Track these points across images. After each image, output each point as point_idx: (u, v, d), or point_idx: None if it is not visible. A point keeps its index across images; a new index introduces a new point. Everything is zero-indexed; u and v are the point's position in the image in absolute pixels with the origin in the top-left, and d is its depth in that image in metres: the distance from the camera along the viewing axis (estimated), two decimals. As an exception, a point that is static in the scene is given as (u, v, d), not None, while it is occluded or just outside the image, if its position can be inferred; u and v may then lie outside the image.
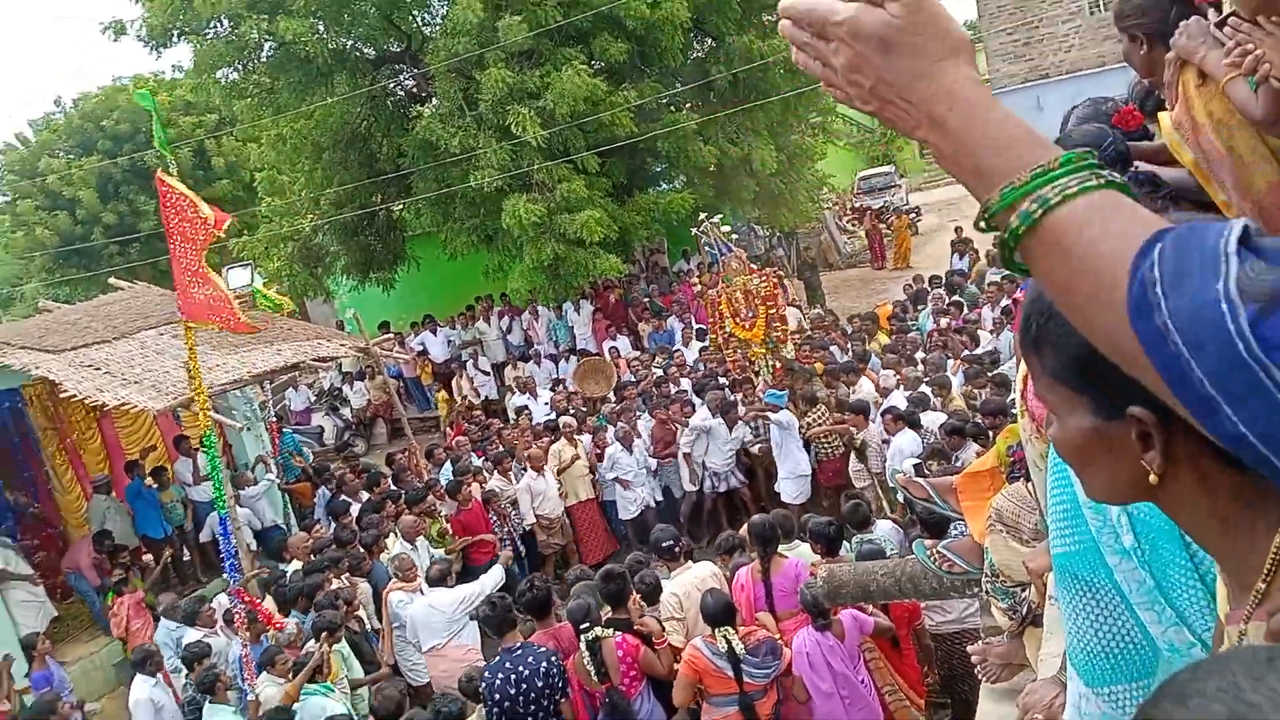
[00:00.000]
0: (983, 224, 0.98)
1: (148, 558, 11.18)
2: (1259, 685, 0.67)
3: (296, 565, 9.50)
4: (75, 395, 9.85)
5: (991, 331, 12.04)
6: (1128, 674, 1.42)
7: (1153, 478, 1.00)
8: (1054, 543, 1.52)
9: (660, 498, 11.27)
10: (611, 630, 5.87)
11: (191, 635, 8.41)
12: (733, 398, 11.10)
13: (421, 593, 8.12)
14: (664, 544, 6.92)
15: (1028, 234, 0.93)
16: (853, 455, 9.68)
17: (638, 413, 11.65)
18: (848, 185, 30.19)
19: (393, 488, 11.22)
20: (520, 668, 5.84)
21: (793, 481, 10.29)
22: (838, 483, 9.92)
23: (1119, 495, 1.06)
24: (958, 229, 18.49)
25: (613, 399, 13.24)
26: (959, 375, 10.35)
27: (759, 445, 10.83)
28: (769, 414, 10.26)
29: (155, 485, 11.90)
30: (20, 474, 11.73)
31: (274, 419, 16.13)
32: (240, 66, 17.65)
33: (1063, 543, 1.48)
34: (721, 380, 11.85)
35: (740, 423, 10.86)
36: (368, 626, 8.75)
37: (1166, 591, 1.27)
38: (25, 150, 29.92)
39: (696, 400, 11.46)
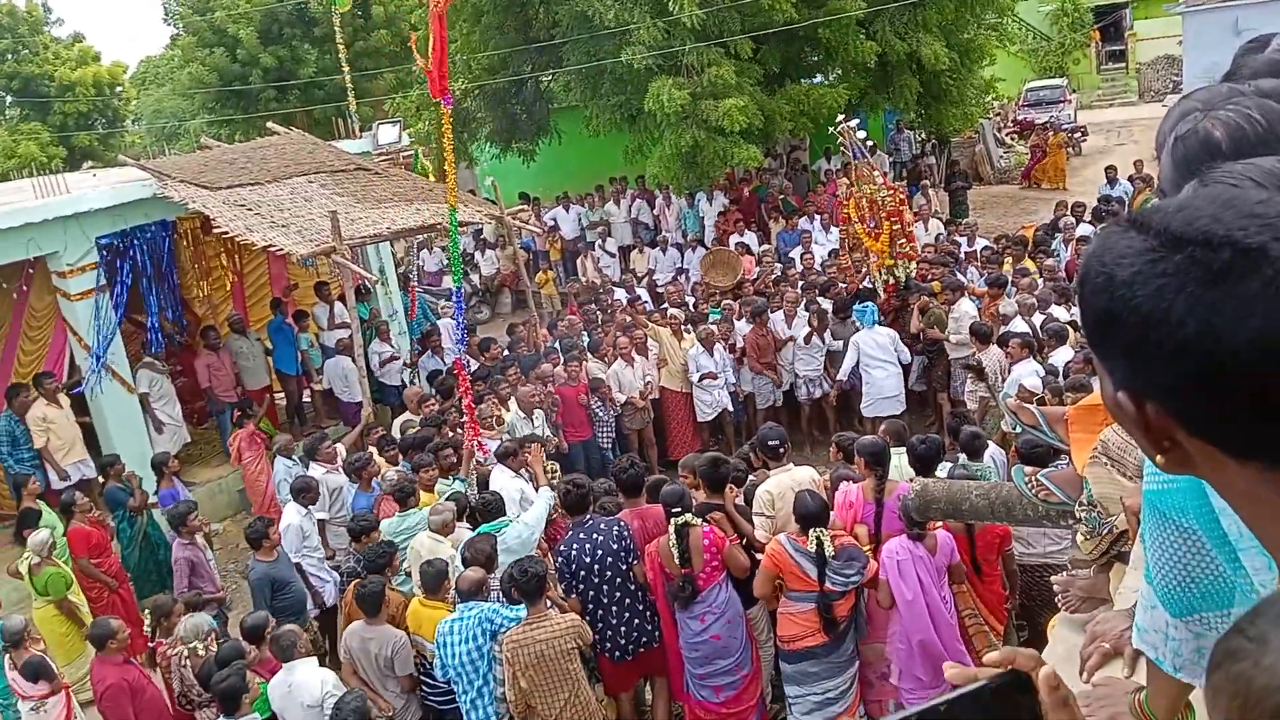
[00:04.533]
0: None
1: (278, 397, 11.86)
2: None
3: (409, 417, 9.92)
4: (228, 232, 10.39)
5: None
6: (1213, 603, 1.44)
7: (1159, 459, 1.00)
8: (1146, 480, 1.51)
9: (731, 406, 11.39)
10: (700, 520, 6.03)
11: (315, 471, 8.87)
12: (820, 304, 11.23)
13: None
14: (770, 442, 6.87)
15: None
16: (969, 376, 9.53)
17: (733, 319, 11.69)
18: (1014, 95, 28.61)
19: (508, 353, 11.60)
20: (595, 535, 6.17)
21: (872, 401, 10.47)
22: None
23: (1161, 467, 1.03)
24: (1137, 162, 17.09)
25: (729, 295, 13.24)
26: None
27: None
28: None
29: (300, 330, 12.54)
30: (171, 304, 12.44)
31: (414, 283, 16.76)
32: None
33: (1156, 481, 1.47)
34: (841, 286, 11.79)
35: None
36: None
37: None
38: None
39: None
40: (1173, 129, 1.67)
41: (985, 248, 13.32)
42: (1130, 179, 16.12)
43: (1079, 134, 25.33)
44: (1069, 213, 14.36)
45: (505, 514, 7.07)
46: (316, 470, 8.85)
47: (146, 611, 7.34)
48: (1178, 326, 0.91)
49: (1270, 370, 0.88)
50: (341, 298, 12.00)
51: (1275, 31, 2.82)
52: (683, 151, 14.66)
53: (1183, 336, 0.91)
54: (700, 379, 10.99)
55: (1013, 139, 25.81)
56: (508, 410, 9.89)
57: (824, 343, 11.10)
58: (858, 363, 10.54)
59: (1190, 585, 1.44)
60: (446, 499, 7.62)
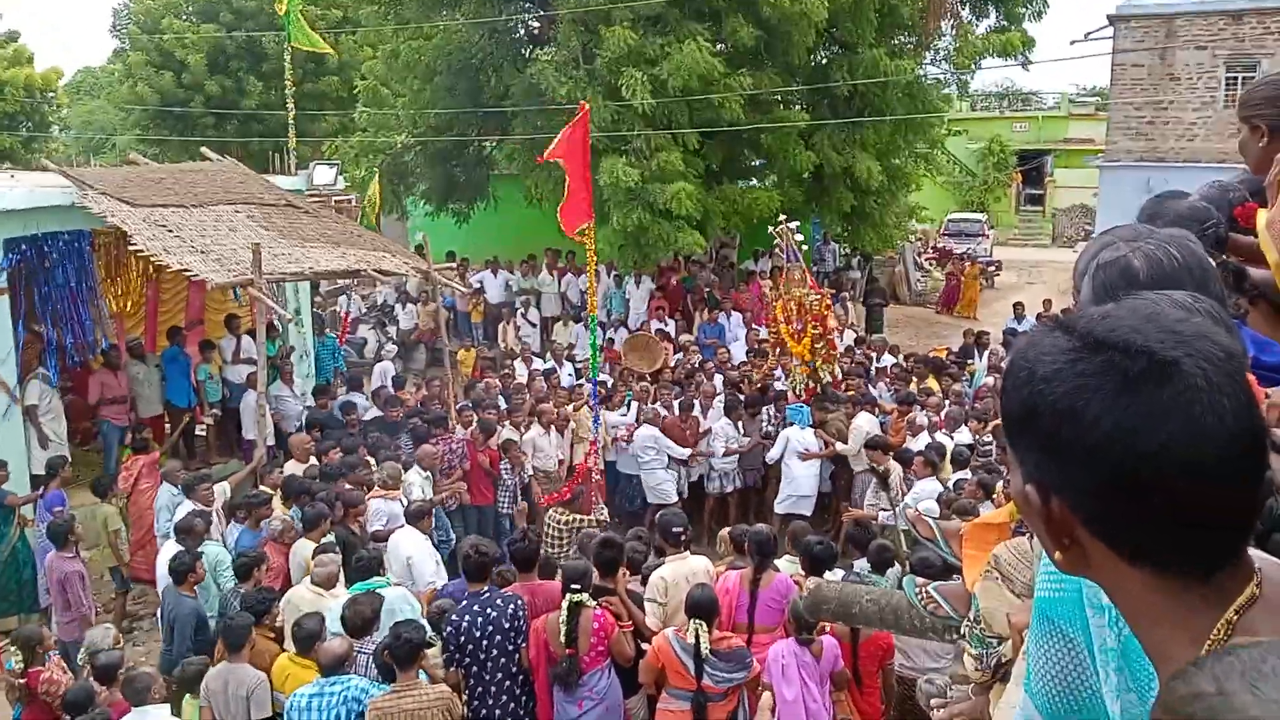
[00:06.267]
0: None
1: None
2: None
3: (294, 466, 9.59)
4: (143, 251, 10.09)
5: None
6: (1089, 714, 1.46)
7: (1057, 555, 1.03)
8: (1039, 586, 1.53)
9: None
10: (595, 603, 5.94)
11: (188, 507, 8.54)
12: (740, 399, 11.48)
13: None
14: (673, 529, 6.81)
15: None
16: (874, 484, 9.71)
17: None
18: (936, 223, 29.86)
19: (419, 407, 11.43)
20: (488, 610, 5.97)
21: (788, 498, 10.61)
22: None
23: (1058, 565, 1.07)
24: (1046, 301, 18.02)
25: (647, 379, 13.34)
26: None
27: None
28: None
29: (202, 360, 12.13)
30: (75, 318, 11.90)
31: (346, 313, 16.45)
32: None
33: (1048, 587, 1.50)
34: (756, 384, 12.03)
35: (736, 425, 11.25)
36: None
37: (1129, 659, 1.28)
38: (152, 2, 30.55)
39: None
40: (1094, 258, 1.76)
41: (894, 365, 13.69)
42: (1038, 316, 16.82)
43: (993, 268, 26.44)
44: (975, 341, 14.95)
45: (380, 574, 6.85)
46: (189, 506, 8.49)
47: (8, 642, 6.87)
48: (1091, 425, 0.95)
49: (1177, 478, 0.92)
50: (250, 332, 11.69)
51: (1185, 190, 3.02)
52: (629, 231, 14.83)
53: (1096, 436, 0.95)
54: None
55: (931, 265, 26.80)
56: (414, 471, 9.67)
57: (740, 432, 11.22)
58: (780, 457, 10.78)
59: (1069, 696, 1.46)
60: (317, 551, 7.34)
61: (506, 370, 13.63)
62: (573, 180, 9.50)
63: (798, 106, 17.29)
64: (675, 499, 10.86)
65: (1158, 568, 0.98)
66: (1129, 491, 0.95)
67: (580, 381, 12.84)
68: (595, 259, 10.12)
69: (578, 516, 9.35)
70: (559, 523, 9.20)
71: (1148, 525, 0.96)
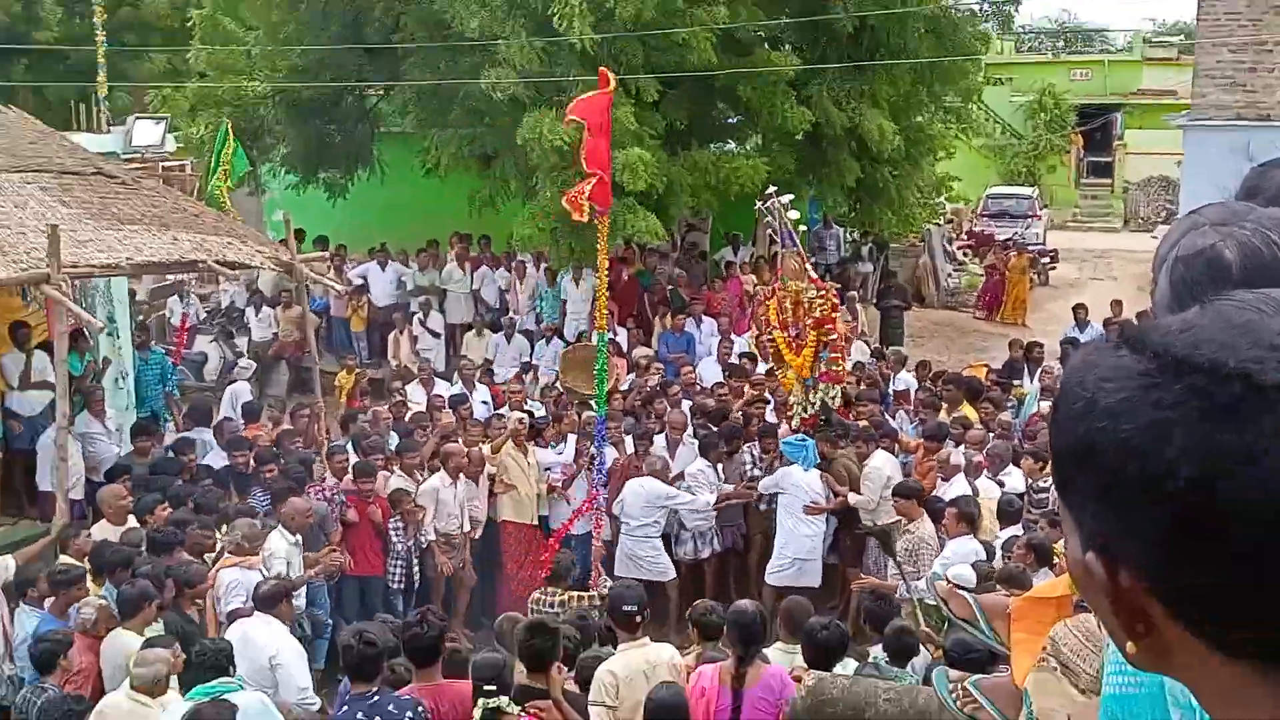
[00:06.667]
0: None
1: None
2: None
3: (105, 529, 9.44)
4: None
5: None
6: None
7: (1129, 646, 1.04)
8: (1108, 680, 1.56)
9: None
10: (518, 709, 5.90)
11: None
12: (716, 433, 11.60)
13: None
14: (625, 606, 6.87)
15: None
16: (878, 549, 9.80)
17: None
18: (972, 200, 30.15)
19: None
20: (376, 717, 5.91)
21: (786, 564, 10.58)
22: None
23: (1130, 659, 1.07)
24: (1115, 303, 18.21)
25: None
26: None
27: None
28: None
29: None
30: None
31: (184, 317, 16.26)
32: None
33: (1121, 681, 1.52)
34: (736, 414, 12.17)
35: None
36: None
37: None
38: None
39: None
40: (1174, 246, 1.80)
41: (918, 388, 13.81)
42: (1105, 323, 17.08)
43: (1047, 259, 26.79)
44: (1025, 355, 15.16)
45: (229, 671, 6.76)
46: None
47: None
48: (1169, 470, 0.95)
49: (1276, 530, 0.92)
50: (46, 346, 11.50)
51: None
52: (564, 210, 14.78)
53: (1176, 483, 0.94)
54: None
55: (965, 255, 27.07)
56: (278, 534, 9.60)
57: (721, 477, 11.26)
58: (773, 504, 10.80)
59: None
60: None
61: (399, 396, 13.56)
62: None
63: (787, 47, 17.43)
64: (674, 577, 10.87)
65: (1254, 660, 0.98)
66: (1223, 553, 0.94)
67: (500, 412, 12.80)
68: (605, 247, 10.36)
69: (573, 594, 9.20)
70: (549, 605, 9.08)
71: (1241, 597, 0.95)
